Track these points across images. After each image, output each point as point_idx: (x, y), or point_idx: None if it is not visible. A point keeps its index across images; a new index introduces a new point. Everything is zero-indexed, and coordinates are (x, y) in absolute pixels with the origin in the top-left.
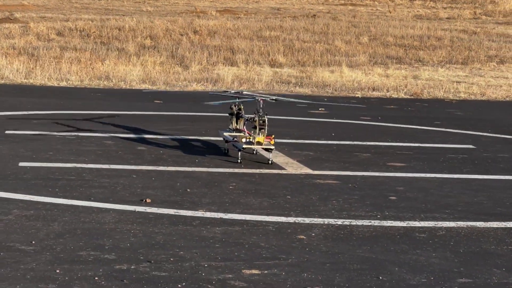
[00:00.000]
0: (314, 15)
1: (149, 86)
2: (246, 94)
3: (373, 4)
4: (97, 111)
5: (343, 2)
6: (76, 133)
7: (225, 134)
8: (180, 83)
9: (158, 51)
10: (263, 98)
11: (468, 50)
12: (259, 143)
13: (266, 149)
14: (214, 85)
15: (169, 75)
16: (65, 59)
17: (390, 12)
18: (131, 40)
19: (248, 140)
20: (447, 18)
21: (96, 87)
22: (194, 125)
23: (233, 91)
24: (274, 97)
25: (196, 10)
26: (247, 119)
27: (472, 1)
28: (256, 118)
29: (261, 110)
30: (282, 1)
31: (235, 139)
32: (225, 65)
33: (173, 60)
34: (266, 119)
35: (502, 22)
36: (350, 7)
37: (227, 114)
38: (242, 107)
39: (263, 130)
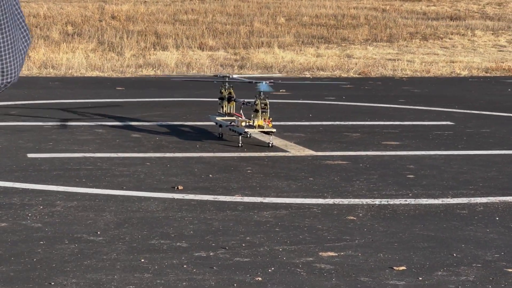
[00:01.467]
0: None
1: (100, 73)
2: (237, 78)
3: None
4: (67, 100)
5: None
6: (62, 123)
7: (218, 118)
8: (130, 69)
9: (84, 38)
10: (266, 82)
11: (387, 28)
12: (260, 126)
13: (267, 132)
14: (159, 70)
15: (112, 62)
16: None
17: None
18: (51, 27)
19: (248, 123)
20: None
21: (49, 75)
22: (168, 111)
23: (221, 75)
24: (271, 80)
25: None
26: (244, 103)
27: None
28: (258, 101)
29: (261, 93)
30: None
31: (233, 123)
32: (157, 50)
33: (103, 46)
34: (268, 102)
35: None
36: None
37: (217, 99)
38: (232, 90)
39: (264, 113)
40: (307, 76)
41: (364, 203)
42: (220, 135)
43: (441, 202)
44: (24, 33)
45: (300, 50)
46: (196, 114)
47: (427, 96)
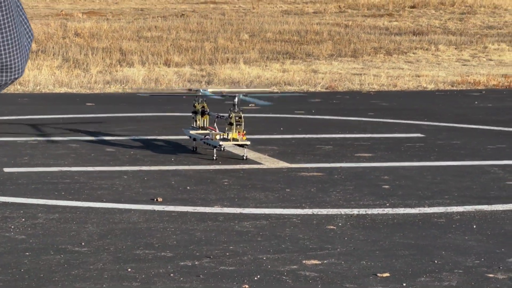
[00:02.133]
0: (183, 14)
1: (68, 90)
2: (212, 92)
3: (234, 2)
4: (38, 116)
5: (202, 0)
6: (35, 138)
7: (192, 132)
8: (98, 86)
9: (48, 55)
10: (237, 95)
11: (350, 43)
12: (234, 139)
13: (241, 145)
14: (127, 86)
15: (79, 78)
16: None
17: (254, 9)
18: None
19: (222, 137)
20: (314, 12)
21: (17, 92)
22: (141, 125)
23: (195, 89)
24: (242, 95)
25: (62, 13)
26: (218, 116)
27: None
28: (232, 115)
29: (236, 107)
30: (142, 2)
31: (207, 136)
32: (123, 66)
33: (68, 63)
34: (242, 115)
35: (369, 15)
36: (212, 5)
37: (190, 113)
38: (205, 104)
39: (239, 126)
40: (275, 90)
41: (343, 213)
42: (194, 149)
43: (418, 212)
44: (27, 29)
45: (266, 65)
46: (169, 128)
47: (396, 109)
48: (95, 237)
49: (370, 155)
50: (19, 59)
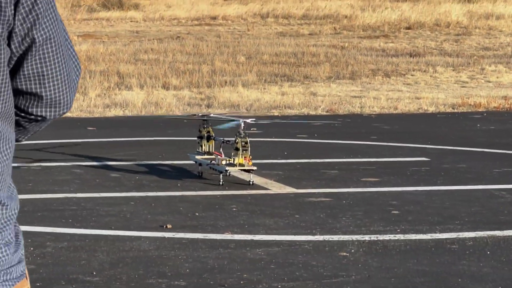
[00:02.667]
0: (178, 37)
1: (68, 114)
2: (215, 116)
3: (228, 24)
4: (39, 141)
5: (197, 22)
6: (38, 164)
7: (198, 157)
8: (98, 110)
9: None
10: (244, 120)
11: (348, 65)
12: (241, 164)
13: (248, 171)
14: (128, 109)
15: (78, 102)
16: None
17: (249, 31)
18: None
19: (229, 162)
20: (309, 34)
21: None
22: (144, 150)
23: (200, 114)
24: (253, 119)
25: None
26: (224, 141)
27: (324, 17)
28: (238, 140)
29: (242, 131)
30: (137, 24)
31: (213, 161)
32: (121, 90)
33: None
34: (248, 140)
35: (365, 36)
36: (206, 27)
37: (196, 138)
38: (211, 129)
39: (245, 151)
40: (275, 114)
41: (354, 239)
42: (200, 174)
43: (430, 237)
44: (75, 62)
45: (264, 88)
46: (172, 153)
47: (398, 132)
48: (106, 265)
49: (376, 179)
50: (68, 93)
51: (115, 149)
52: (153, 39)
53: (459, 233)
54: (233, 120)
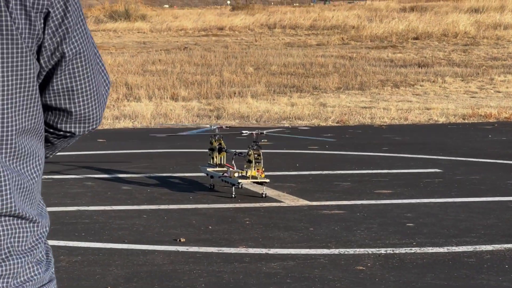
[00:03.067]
0: (186, 47)
1: None
2: (229, 128)
3: (235, 34)
4: None
5: (204, 33)
6: (50, 176)
7: (209, 170)
8: (107, 121)
9: None
10: (257, 132)
11: (357, 75)
12: (253, 177)
13: (260, 183)
14: (137, 121)
15: None
16: None
17: (257, 41)
18: None
19: (241, 174)
20: (317, 44)
21: None
22: (155, 162)
23: (214, 127)
24: (263, 131)
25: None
26: (236, 153)
27: (331, 27)
28: (251, 152)
29: (254, 143)
30: (144, 35)
31: (225, 174)
32: (130, 101)
33: None
34: (261, 152)
35: (372, 47)
36: (213, 38)
37: (207, 150)
38: (222, 141)
39: (258, 163)
40: (285, 125)
41: (370, 252)
42: (212, 186)
43: (446, 251)
44: (105, 77)
45: (273, 99)
46: (183, 165)
47: (410, 143)
48: (121, 280)
49: (390, 191)
50: (97, 109)
51: (126, 162)
52: (160, 50)
53: (476, 246)
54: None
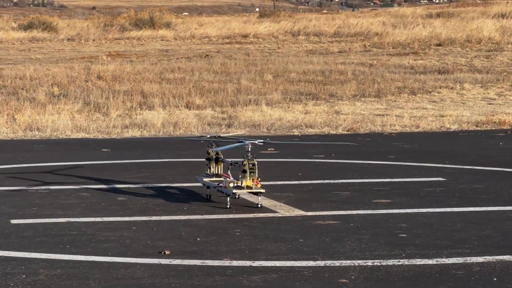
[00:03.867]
0: (207, 55)
1: (85, 135)
2: (226, 138)
3: (259, 42)
4: (52, 163)
5: (227, 41)
6: (46, 187)
7: (206, 180)
8: (116, 130)
9: (70, 99)
10: (252, 142)
11: (374, 82)
12: (249, 187)
13: (256, 193)
14: (146, 130)
15: (98, 123)
16: None
17: (279, 48)
18: (38, 89)
19: (236, 184)
20: (338, 51)
21: (33, 138)
22: (155, 172)
23: (209, 136)
24: (261, 140)
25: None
26: (232, 163)
27: (355, 34)
28: (246, 162)
29: (249, 153)
30: (167, 43)
31: (221, 184)
32: (143, 110)
33: (89, 107)
34: (256, 162)
35: (394, 54)
36: (237, 46)
37: (204, 159)
38: (220, 151)
39: (253, 173)
40: (295, 133)
41: (356, 264)
42: (208, 197)
43: (435, 263)
44: None
45: (288, 107)
46: (184, 175)
47: (417, 151)
48: None
49: (388, 201)
50: None
51: (127, 172)
52: (181, 57)
53: (467, 257)
54: (241, 142)
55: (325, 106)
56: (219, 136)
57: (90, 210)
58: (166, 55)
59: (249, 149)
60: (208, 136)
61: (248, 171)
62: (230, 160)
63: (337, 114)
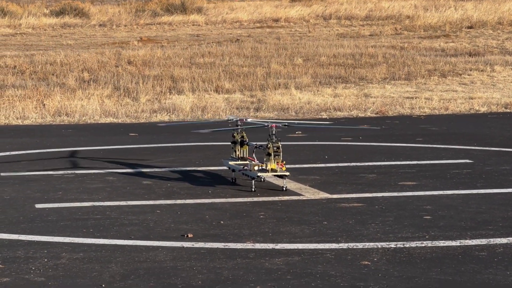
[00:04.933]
0: (238, 39)
1: (114, 120)
2: (252, 121)
3: (290, 26)
4: (78, 148)
5: (259, 25)
6: (72, 171)
7: (231, 163)
8: (144, 115)
9: (99, 84)
10: (276, 124)
11: (405, 65)
12: (273, 170)
13: (280, 176)
14: (174, 114)
15: (127, 107)
16: (8, 97)
17: (310, 32)
18: (68, 75)
19: (261, 167)
20: (370, 35)
21: (62, 123)
22: (182, 156)
23: (235, 119)
24: (286, 122)
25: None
26: (257, 146)
27: (386, 18)
28: (270, 145)
29: (273, 136)
30: (198, 28)
31: (246, 167)
32: (172, 94)
33: (118, 92)
34: (280, 145)
35: (425, 36)
36: (268, 30)
37: (229, 143)
38: (245, 134)
39: (277, 156)
40: (323, 117)
41: (379, 246)
42: (233, 180)
43: (459, 244)
44: None
45: (318, 90)
46: (210, 158)
47: (445, 134)
48: (117, 278)
49: (414, 183)
50: None
51: (153, 156)
52: (212, 42)
53: (490, 239)
54: (263, 125)
55: (354, 89)
56: (245, 120)
57: (115, 194)
58: (197, 40)
59: (274, 132)
60: (234, 119)
61: (272, 154)
62: (255, 143)
63: (367, 97)
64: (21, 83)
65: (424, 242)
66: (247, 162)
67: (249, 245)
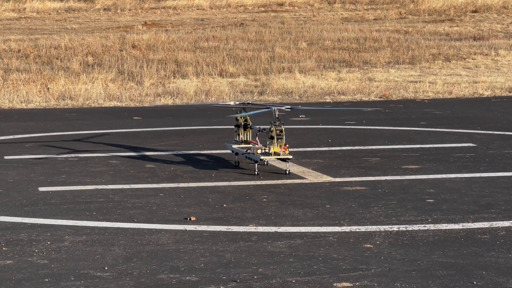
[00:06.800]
0: (242, 24)
1: (118, 103)
2: (255, 104)
3: (294, 10)
4: (82, 131)
5: (263, 9)
6: (76, 155)
7: (234, 146)
8: (148, 99)
9: (103, 68)
10: (279, 107)
11: (409, 49)
12: (276, 153)
13: (283, 159)
14: (178, 98)
15: (131, 91)
16: (13, 81)
17: (315, 16)
18: (72, 59)
19: (264, 151)
20: (374, 19)
21: (66, 107)
22: (185, 139)
23: (238, 102)
24: (288, 106)
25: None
26: (260, 130)
27: (391, 2)
28: (273, 128)
29: (277, 120)
30: (203, 12)
31: (249, 151)
32: (176, 78)
33: (123, 76)
34: (283, 128)
35: (430, 21)
36: (272, 14)
37: (233, 126)
38: (248, 117)
39: (280, 140)
40: (327, 100)
41: (382, 229)
42: (237, 163)
43: (461, 227)
44: None
45: (322, 74)
46: (213, 142)
47: (449, 117)
48: (120, 260)
49: (417, 167)
50: None
51: (157, 139)
52: (216, 26)
53: (493, 222)
54: (267, 108)
55: (358, 73)
56: (248, 103)
57: (118, 178)
58: (201, 24)
59: (277, 115)
60: (237, 103)
61: (275, 137)
62: (258, 126)
63: (370, 81)
64: (25, 67)
65: (427, 225)
66: (250, 145)
67: (251, 228)
